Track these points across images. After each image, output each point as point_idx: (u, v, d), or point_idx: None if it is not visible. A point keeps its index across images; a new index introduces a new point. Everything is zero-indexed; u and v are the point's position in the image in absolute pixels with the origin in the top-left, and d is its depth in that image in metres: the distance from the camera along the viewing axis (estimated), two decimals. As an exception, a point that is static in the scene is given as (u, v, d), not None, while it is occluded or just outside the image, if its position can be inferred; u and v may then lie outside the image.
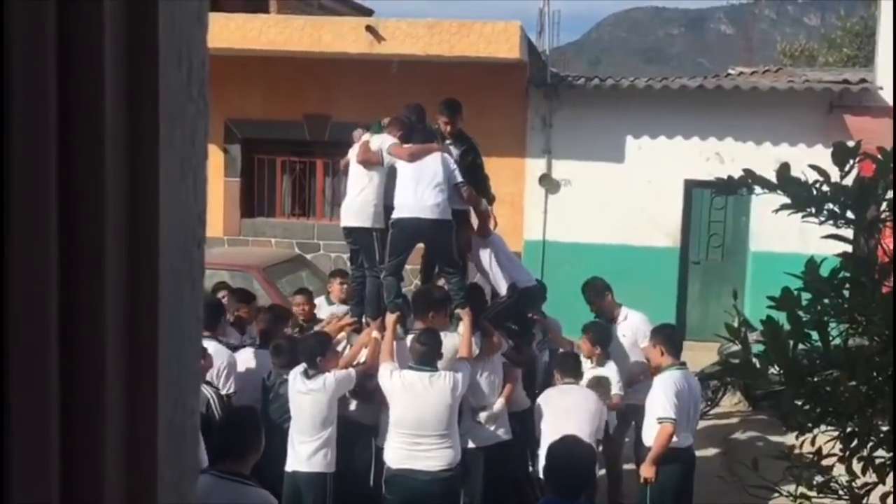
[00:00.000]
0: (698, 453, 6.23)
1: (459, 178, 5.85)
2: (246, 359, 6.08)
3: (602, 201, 11.93)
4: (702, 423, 9.53)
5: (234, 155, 12.61)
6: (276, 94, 12.22)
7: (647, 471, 5.62)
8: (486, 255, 6.26)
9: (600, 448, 5.95)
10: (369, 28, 10.77)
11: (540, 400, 5.86)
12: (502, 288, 6.18)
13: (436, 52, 10.86)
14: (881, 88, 11.11)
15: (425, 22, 10.92)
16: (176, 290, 0.66)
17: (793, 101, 11.26)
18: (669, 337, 5.86)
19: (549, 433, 5.39)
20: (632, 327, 6.85)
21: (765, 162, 2.60)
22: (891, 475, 2.48)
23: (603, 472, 6.38)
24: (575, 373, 5.94)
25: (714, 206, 12.04)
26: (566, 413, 5.56)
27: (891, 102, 11.00)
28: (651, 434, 5.65)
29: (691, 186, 11.77)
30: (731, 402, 9.74)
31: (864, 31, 20.52)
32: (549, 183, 12.07)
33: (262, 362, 6.00)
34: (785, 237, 10.06)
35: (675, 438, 5.56)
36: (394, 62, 11.27)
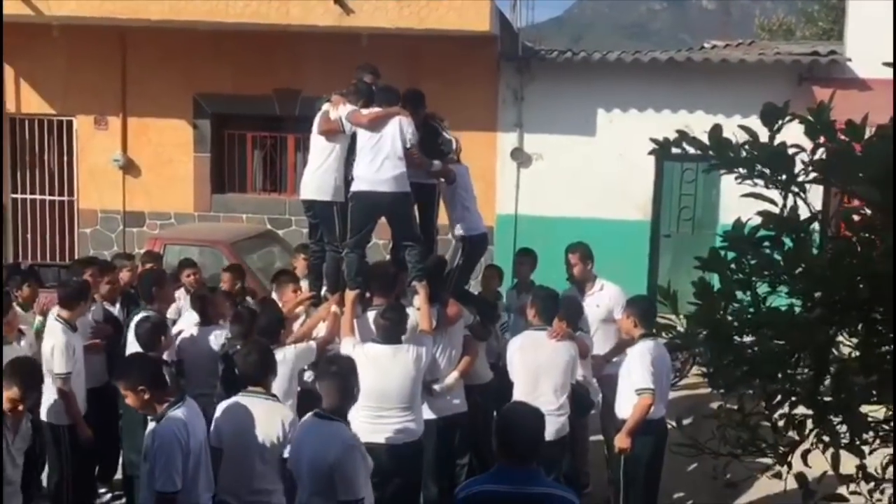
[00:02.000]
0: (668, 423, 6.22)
1: (410, 142, 5.79)
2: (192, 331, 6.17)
3: (573, 175, 11.94)
4: (669, 395, 9.63)
5: (203, 130, 12.51)
6: (246, 69, 12.11)
7: (623, 441, 5.61)
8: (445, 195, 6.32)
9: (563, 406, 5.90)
10: (338, 1, 10.66)
11: (513, 347, 5.80)
12: (454, 232, 6.29)
13: (406, 25, 10.76)
14: (850, 60, 11.14)
15: (395, -6, 10.81)
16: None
17: (762, 73, 11.27)
18: (644, 309, 5.78)
19: (522, 393, 5.43)
20: (608, 298, 6.77)
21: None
22: (812, 433, 2.50)
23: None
24: (550, 316, 5.81)
25: (685, 179, 12.09)
26: (537, 372, 5.58)
27: (860, 74, 11.06)
28: (627, 405, 5.64)
29: (662, 160, 11.79)
30: (699, 373, 9.80)
31: (839, 5, 20.51)
32: (520, 157, 12.06)
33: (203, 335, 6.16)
34: (755, 209, 10.09)
35: (652, 409, 5.56)
36: (363, 36, 11.17)
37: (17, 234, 13.11)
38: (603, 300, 6.78)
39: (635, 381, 5.56)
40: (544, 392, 5.49)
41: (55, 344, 5.83)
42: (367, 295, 5.81)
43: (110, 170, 12.68)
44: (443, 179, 6.24)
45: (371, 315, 5.58)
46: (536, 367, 5.61)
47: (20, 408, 4.55)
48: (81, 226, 12.96)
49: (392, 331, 5.28)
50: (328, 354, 5.70)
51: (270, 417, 4.58)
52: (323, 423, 4.19)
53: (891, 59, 2.70)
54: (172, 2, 10.91)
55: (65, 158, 12.91)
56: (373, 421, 5.16)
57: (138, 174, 12.74)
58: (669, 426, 5.96)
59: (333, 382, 4.24)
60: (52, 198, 12.99)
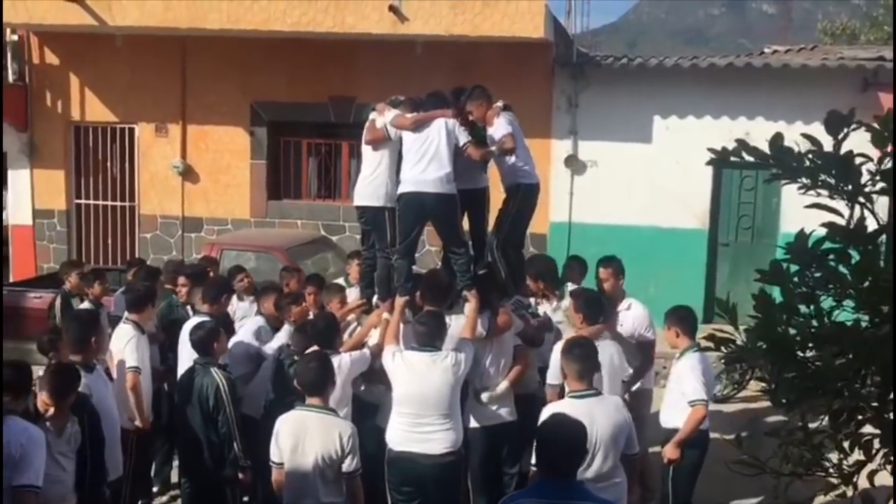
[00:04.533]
0: (724, 436, 6.11)
1: (463, 140, 5.71)
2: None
3: (629, 182, 11.78)
4: (728, 407, 9.43)
5: (260, 137, 12.67)
6: (301, 76, 12.24)
7: (673, 452, 5.53)
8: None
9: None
10: (392, 8, 10.70)
11: (556, 353, 5.46)
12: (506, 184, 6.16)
13: (459, 32, 10.76)
14: (918, 65, 10.79)
15: (448, 1, 10.81)
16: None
17: (826, 78, 10.98)
18: (684, 318, 5.72)
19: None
20: (633, 320, 6.52)
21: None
22: (880, 453, 2.40)
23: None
24: (595, 318, 5.63)
25: (744, 186, 11.84)
26: None
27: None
28: (677, 415, 5.55)
29: (720, 167, 11.57)
30: (758, 385, 9.60)
31: (906, 8, 19.92)
32: (574, 164, 11.95)
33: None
34: (818, 217, 9.83)
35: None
36: (417, 43, 11.21)
37: (80, 239, 13.44)
38: (627, 320, 6.51)
39: (688, 392, 5.47)
40: None
41: (128, 341, 6.05)
42: (419, 302, 5.78)
43: (170, 176, 12.93)
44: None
45: None
46: None
47: (50, 411, 4.65)
48: (141, 231, 13.23)
49: (429, 336, 5.18)
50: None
51: (328, 432, 4.60)
52: (595, 400, 4.55)
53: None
54: (231, 11, 11.10)
55: (126, 165, 13.19)
56: (411, 429, 5.11)
57: (197, 180, 12.96)
58: (727, 442, 5.86)
59: (579, 363, 4.60)
60: (113, 203, 13.29)
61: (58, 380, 4.75)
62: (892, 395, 2.34)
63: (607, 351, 5.49)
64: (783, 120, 10.97)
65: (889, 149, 2.49)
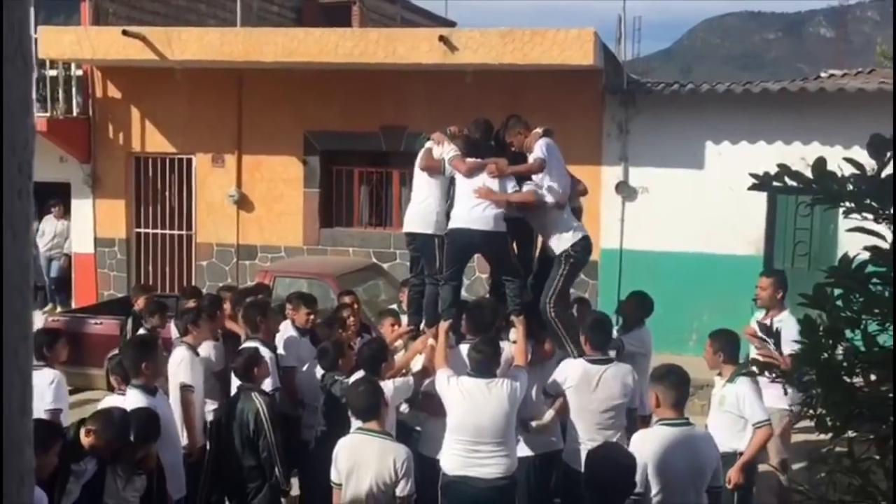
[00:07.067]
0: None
1: (512, 186, 5.80)
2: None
3: (681, 209, 11.68)
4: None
5: (312, 166, 12.90)
6: (354, 106, 12.45)
7: (738, 476, 5.45)
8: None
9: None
10: (443, 38, 10.85)
11: (565, 372, 5.43)
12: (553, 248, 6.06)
13: (509, 61, 10.85)
14: (980, 87, 10.52)
15: (498, 31, 10.93)
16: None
17: (883, 102, 10.74)
18: (730, 342, 5.70)
19: (581, 434, 5.30)
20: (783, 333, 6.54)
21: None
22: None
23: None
24: (606, 344, 5.54)
25: (800, 213, 11.63)
26: (594, 411, 5.33)
27: None
28: (732, 439, 5.51)
29: (775, 193, 11.38)
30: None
31: (969, 29, 19.46)
32: (625, 190, 11.89)
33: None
34: (874, 243, 9.60)
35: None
36: (467, 72, 11.33)
37: (140, 266, 13.80)
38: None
39: (753, 415, 5.46)
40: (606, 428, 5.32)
41: (180, 361, 6.17)
42: (462, 328, 5.80)
43: (226, 205, 13.23)
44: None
45: (464, 348, 5.55)
46: (591, 410, 5.34)
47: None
48: (198, 258, 13.53)
49: (485, 364, 5.22)
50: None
51: (383, 457, 4.66)
52: (687, 430, 4.50)
53: None
54: (285, 44, 11.38)
55: (184, 194, 13.54)
56: (466, 455, 5.13)
57: (252, 209, 13.23)
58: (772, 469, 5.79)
59: (676, 391, 4.51)
60: (171, 232, 13.64)
61: (141, 426, 4.82)
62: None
63: (615, 382, 5.39)
64: (840, 145, 10.76)
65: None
